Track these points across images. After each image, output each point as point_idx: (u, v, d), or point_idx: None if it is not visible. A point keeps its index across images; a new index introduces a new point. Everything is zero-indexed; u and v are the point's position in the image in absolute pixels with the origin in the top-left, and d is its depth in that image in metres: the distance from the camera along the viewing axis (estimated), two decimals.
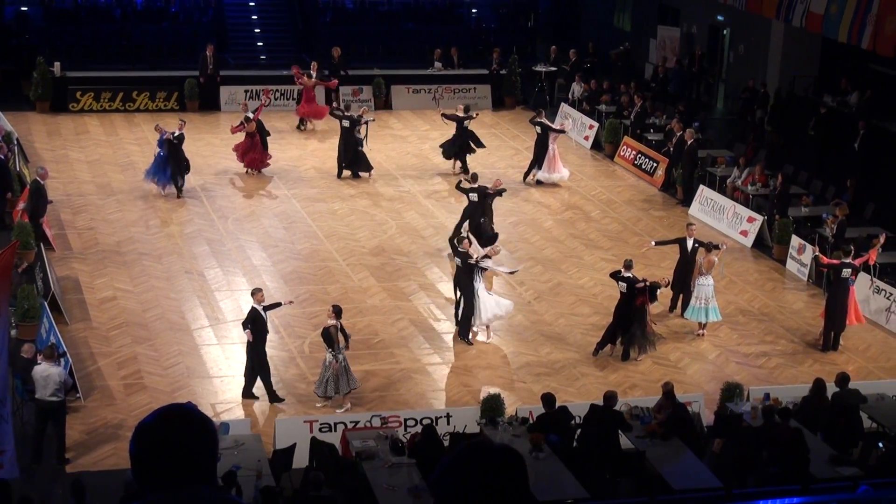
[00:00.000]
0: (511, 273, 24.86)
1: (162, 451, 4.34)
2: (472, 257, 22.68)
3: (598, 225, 29.71)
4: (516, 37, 45.79)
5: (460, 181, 27.97)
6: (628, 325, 22.30)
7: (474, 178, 27.60)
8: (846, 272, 23.14)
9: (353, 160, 32.03)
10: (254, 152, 31.75)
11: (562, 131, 32.68)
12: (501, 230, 28.66)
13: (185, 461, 4.34)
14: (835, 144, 32.82)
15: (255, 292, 20.66)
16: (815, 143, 33.56)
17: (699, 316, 23.57)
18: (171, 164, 29.39)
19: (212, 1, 43.98)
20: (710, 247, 23.88)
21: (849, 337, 23.72)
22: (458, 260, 23.35)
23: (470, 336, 22.91)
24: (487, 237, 25.60)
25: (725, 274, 25.85)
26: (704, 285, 23.49)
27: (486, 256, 23.04)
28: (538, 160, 32.25)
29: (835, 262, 23.59)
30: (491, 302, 22.95)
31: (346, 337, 20.03)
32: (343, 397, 20.12)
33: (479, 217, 26.55)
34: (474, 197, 26.66)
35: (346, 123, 31.68)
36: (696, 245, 24.18)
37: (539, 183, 32.22)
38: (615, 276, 22.64)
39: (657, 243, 25.32)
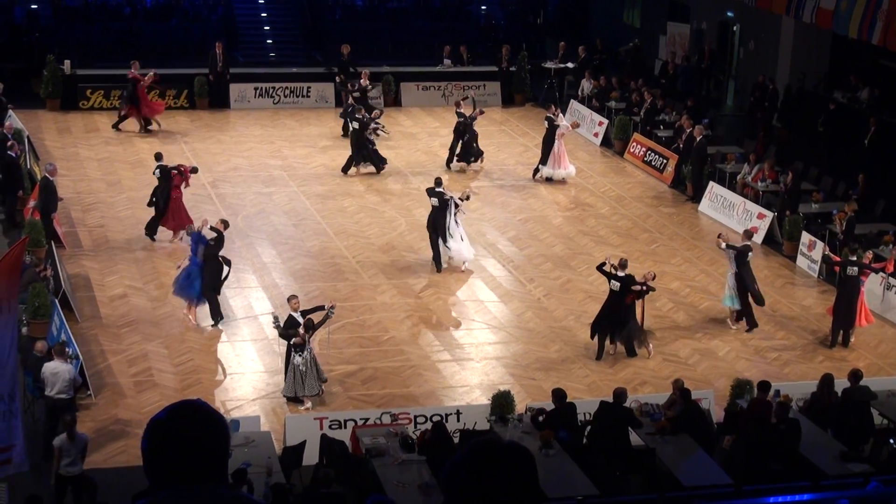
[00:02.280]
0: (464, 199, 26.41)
1: (173, 448, 4.34)
2: (446, 194, 25.76)
3: (607, 222, 29.70)
4: (525, 33, 45.78)
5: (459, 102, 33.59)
6: (624, 323, 22.21)
7: (458, 105, 33.22)
8: (852, 270, 23.12)
9: (367, 158, 32.13)
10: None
11: (557, 126, 32.06)
12: (511, 227, 28.73)
13: (197, 458, 4.34)
14: (845, 141, 32.76)
15: (291, 298, 20.62)
16: (824, 139, 33.52)
17: (729, 302, 23.89)
18: (205, 276, 22.81)
19: None
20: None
21: (860, 334, 23.69)
22: (433, 200, 25.97)
23: (442, 263, 26.00)
24: (475, 153, 32.71)
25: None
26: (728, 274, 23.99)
27: (459, 199, 25.98)
28: (544, 157, 32.27)
29: (840, 259, 23.67)
30: (465, 244, 26.05)
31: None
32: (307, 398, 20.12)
33: (463, 137, 32.49)
34: (461, 119, 32.45)
35: (355, 125, 31.73)
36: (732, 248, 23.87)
37: (548, 180, 32.22)
38: (610, 275, 22.33)
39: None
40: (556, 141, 31.95)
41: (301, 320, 20.09)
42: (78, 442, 16.73)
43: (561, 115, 32.92)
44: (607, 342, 22.40)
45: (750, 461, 17.77)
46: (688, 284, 25.90)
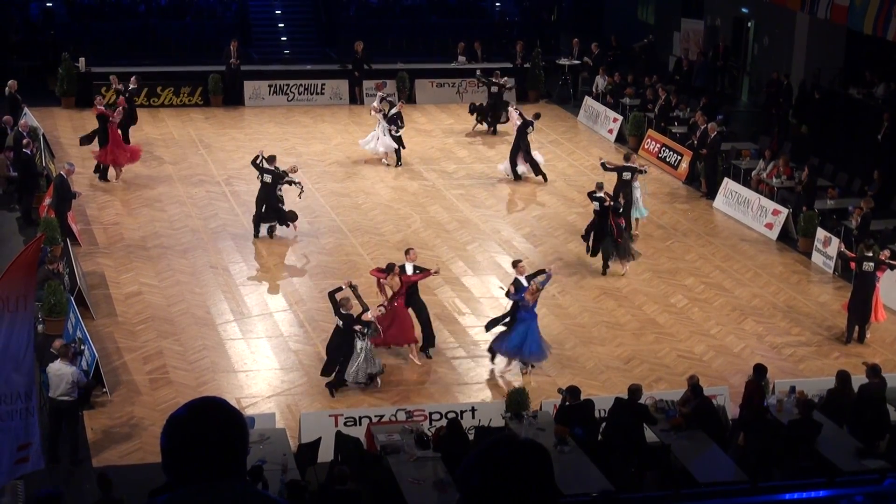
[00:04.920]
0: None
1: (193, 444, 4.35)
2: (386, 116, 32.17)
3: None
4: (539, 30, 45.77)
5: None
6: (601, 239, 25.80)
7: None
8: (868, 266, 23.12)
9: (273, 216, 27.11)
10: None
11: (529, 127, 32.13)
12: (525, 224, 28.74)
13: (216, 454, 4.35)
14: (860, 137, 32.67)
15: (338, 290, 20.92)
16: (837, 134, 33.48)
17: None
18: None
19: None
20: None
21: (875, 330, 23.65)
22: (383, 129, 32.17)
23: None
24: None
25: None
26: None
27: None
28: (527, 154, 32.12)
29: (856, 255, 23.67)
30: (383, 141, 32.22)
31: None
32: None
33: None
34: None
35: (267, 178, 26.80)
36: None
37: (517, 176, 32.21)
38: (589, 195, 26.26)
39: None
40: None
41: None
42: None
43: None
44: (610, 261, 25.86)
45: (762, 457, 17.75)
46: (702, 281, 25.88)
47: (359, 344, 20.10)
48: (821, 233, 27.03)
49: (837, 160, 31.81)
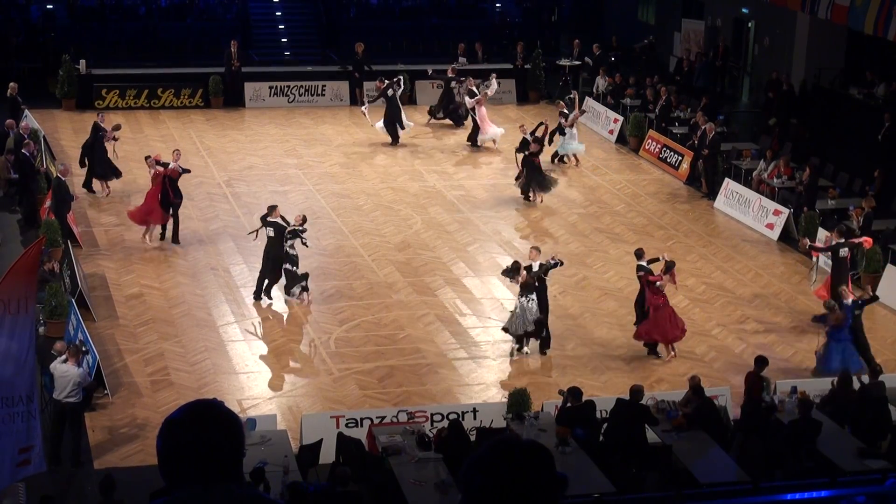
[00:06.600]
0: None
1: (189, 447, 4.34)
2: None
3: (622, 219, 29.66)
4: (540, 31, 45.79)
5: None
6: (532, 175, 29.72)
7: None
8: (843, 252, 23.43)
9: (276, 275, 24.18)
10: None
11: (476, 94, 34.68)
12: (526, 225, 28.71)
13: (212, 457, 4.35)
14: (861, 137, 32.67)
15: (533, 248, 22.99)
16: (840, 134, 33.46)
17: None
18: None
19: None
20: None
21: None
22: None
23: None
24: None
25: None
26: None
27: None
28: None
29: (824, 246, 24.42)
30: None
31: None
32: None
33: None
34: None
35: (270, 233, 24.04)
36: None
37: (475, 146, 34.61)
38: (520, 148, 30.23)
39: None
40: (479, 108, 34.31)
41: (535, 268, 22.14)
42: None
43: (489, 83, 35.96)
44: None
45: (764, 457, 17.74)
46: (704, 281, 25.86)
47: (519, 300, 21.81)
48: (822, 233, 27.01)
49: (838, 160, 31.79)
